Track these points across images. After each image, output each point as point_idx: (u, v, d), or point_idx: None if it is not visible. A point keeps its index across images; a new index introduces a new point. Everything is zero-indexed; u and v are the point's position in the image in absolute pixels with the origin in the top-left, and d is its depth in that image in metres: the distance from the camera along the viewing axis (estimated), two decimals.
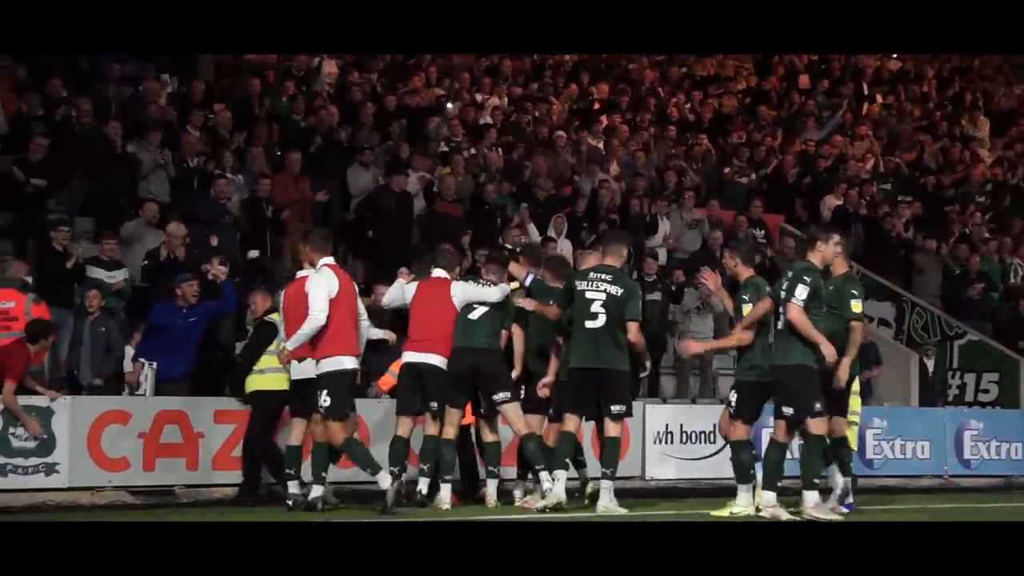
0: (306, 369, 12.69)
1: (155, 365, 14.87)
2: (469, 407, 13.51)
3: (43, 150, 17.02)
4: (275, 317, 13.63)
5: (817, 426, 11.94)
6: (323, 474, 12.83)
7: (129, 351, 15.56)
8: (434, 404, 13.17)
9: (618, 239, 13.49)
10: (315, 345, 12.45)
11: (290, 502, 12.94)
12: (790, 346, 11.96)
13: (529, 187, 21.56)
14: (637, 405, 14.35)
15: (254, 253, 17.88)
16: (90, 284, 15.88)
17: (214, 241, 17.08)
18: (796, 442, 12.59)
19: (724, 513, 12.46)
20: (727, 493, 13.18)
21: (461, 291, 13.30)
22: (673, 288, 20.39)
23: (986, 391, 22.57)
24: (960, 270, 24.21)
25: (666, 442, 17.61)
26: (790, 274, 12.15)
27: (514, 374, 13.35)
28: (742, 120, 27.04)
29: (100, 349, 15.56)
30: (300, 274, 13.10)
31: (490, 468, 13.61)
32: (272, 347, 13.53)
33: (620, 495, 13.02)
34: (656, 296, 19.41)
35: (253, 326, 14.48)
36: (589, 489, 13.73)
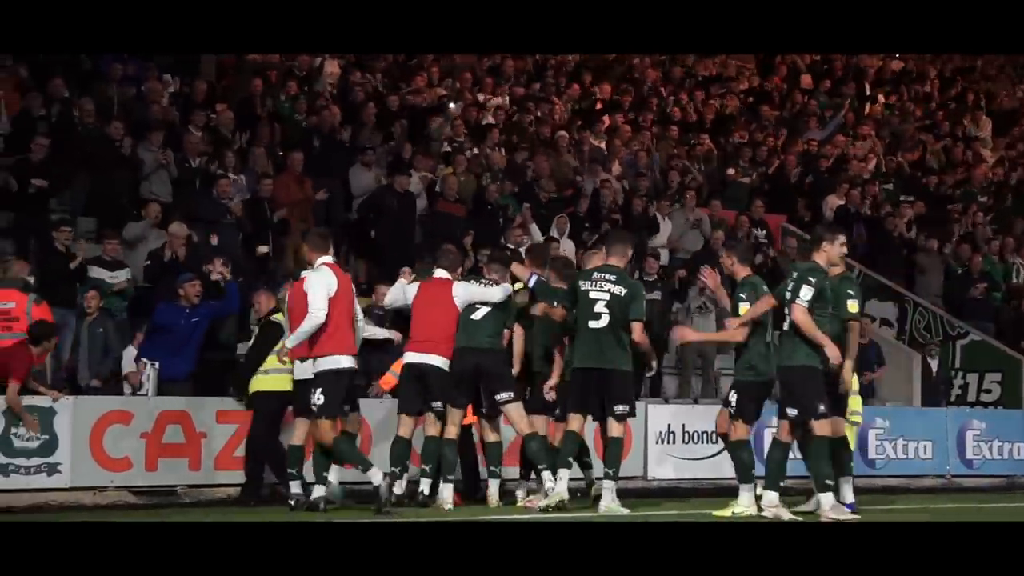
0: (309, 369, 12.67)
1: (157, 365, 14.88)
2: (470, 407, 13.52)
3: (45, 150, 17.03)
4: (279, 317, 13.64)
5: (821, 428, 11.95)
6: (324, 474, 12.84)
7: (132, 351, 15.57)
8: (437, 404, 13.19)
9: (621, 239, 13.49)
10: (313, 344, 12.46)
11: (292, 502, 12.94)
12: (795, 347, 11.98)
13: (531, 187, 21.56)
14: (639, 405, 14.32)
15: (263, 248, 17.91)
16: (92, 284, 15.89)
17: (214, 240, 17.09)
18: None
19: (726, 513, 12.46)
20: (729, 493, 13.20)
21: (463, 291, 13.30)
22: (676, 287, 20.38)
23: (988, 391, 22.55)
24: (962, 270, 24.20)
25: (668, 442, 17.62)
26: (795, 275, 12.16)
27: (512, 372, 13.35)
28: (744, 120, 27.03)
29: (98, 350, 15.56)
30: (304, 274, 13.10)
31: (491, 468, 13.61)
32: (277, 347, 13.54)
33: (622, 495, 13.02)
34: (656, 296, 19.40)
35: (258, 326, 14.47)
36: (595, 491, 13.72)
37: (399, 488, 13.13)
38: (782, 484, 12.30)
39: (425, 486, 13.15)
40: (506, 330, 13.36)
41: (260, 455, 14.07)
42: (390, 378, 14.44)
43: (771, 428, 14.17)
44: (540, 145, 22.95)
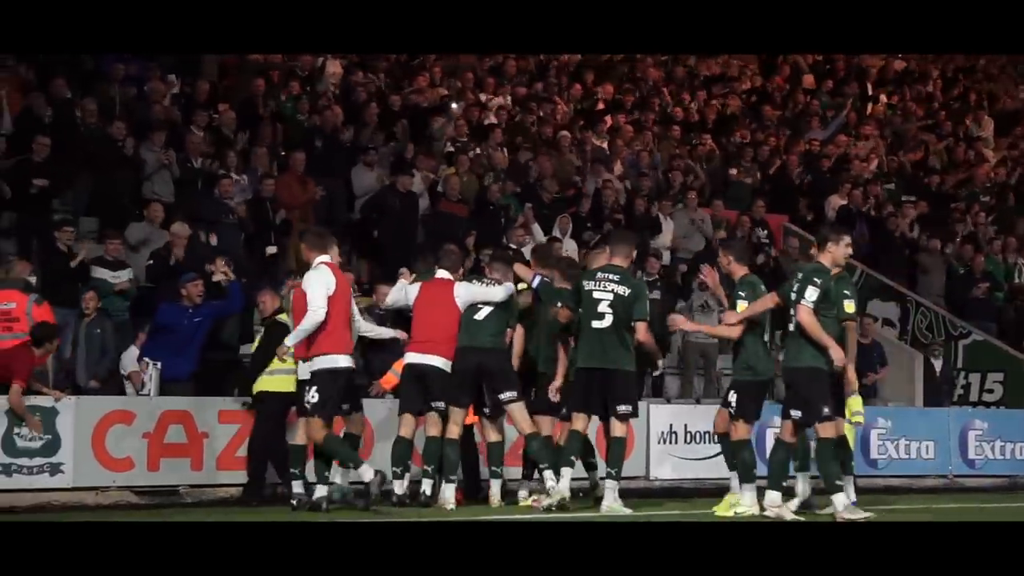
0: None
1: (159, 365, 14.88)
2: (472, 407, 13.51)
3: (47, 150, 17.03)
4: (284, 318, 13.63)
5: (825, 430, 11.95)
6: (326, 474, 12.84)
7: (134, 351, 15.57)
8: (439, 404, 13.18)
9: (625, 239, 13.49)
10: (310, 343, 12.46)
11: (294, 502, 12.95)
12: (801, 348, 11.98)
13: (533, 187, 21.56)
14: (641, 405, 14.31)
15: (272, 249, 17.92)
16: (94, 285, 15.89)
17: (213, 240, 17.09)
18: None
19: (728, 513, 12.46)
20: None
21: (464, 292, 13.30)
22: (680, 285, 20.36)
23: (991, 391, 22.54)
24: (964, 270, 24.18)
25: (670, 442, 17.63)
26: (800, 276, 12.16)
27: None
28: (746, 120, 27.02)
29: (95, 351, 15.55)
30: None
31: (493, 468, 13.61)
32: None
33: (624, 495, 13.01)
34: (656, 295, 19.37)
35: (263, 326, 14.46)
36: (598, 492, 13.71)
37: (400, 488, 13.14)
38: (784, 484, 12.32)
39: (427, 486, 13.15)
40: (509, 329, 13.36)
41: (263, 455, 14.08)
42: (391, 377, 14.43)
43: (773, 428, 14.17)
44: (542, 145, 22.94)
